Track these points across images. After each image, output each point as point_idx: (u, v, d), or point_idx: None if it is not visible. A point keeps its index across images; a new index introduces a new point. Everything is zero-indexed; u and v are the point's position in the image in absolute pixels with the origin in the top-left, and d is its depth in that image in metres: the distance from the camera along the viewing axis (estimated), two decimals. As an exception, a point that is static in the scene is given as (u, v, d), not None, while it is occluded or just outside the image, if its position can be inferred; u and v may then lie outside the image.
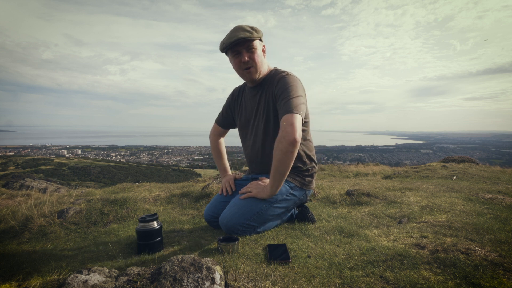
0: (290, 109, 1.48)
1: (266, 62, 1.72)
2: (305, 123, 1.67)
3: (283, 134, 1.45)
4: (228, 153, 2.11)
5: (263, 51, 1.70)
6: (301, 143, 1.61)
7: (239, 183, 1.89)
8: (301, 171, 1.72)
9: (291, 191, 1.67)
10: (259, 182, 1.65)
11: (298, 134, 1.44)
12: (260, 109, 1.71)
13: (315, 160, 1.79)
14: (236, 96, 1.92)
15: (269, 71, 1.74)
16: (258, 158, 1.77)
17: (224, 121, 2.00)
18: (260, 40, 1.66)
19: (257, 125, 1.74)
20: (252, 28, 1.61)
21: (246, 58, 1.60)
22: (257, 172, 1.84)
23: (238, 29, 1.58)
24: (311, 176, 1.76)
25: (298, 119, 1.47)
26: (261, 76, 1.69)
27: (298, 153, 1.65)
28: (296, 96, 1.53)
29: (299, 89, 1.58)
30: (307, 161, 1.73)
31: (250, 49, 1.60)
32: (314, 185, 1.80)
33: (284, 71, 1.67)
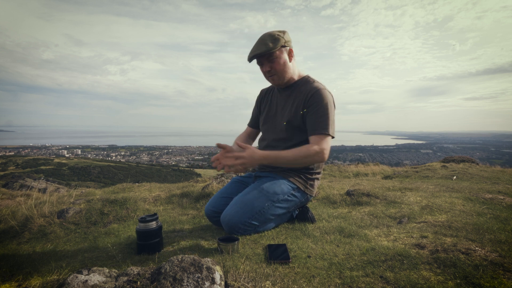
0: (325, 129, 1.61)
1: (294, 67, 1.76)
2: None
3: (314, 149, 1.56)
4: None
5: (290, 55, 1.72)
6: None
7: (241, 179, 1.92)
8: (305, 173, 1.76)
9: (293, 192, 1.70)
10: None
11: (327, 155, 1.59)
12: (285, 110, 1.77)
13: (321, 169, 1.84)
14: (264, 95, 2.01)
15: (300, 77, 1.79)
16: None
17: (253, 121, 2.06)
18: (284, 46, 1.67)
19: (278, 123, 1.80)
20: (275, 38, 1.63)
21: (268, 68, 1.69)
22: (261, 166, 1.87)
23: (260, 41, 1.64)
24: (313, 180, 1.79)
25: (329, 141, 1.63)
26: (287, 80, 1.75)
27: None
28: (330, 115, 1.64)
29: (332, 107, 1.68)
30: (314, 168, 1.78)
31: (271, 60, 1.67)
32: (316, 190, 1.84)
33: (319, 83, 1.72)
